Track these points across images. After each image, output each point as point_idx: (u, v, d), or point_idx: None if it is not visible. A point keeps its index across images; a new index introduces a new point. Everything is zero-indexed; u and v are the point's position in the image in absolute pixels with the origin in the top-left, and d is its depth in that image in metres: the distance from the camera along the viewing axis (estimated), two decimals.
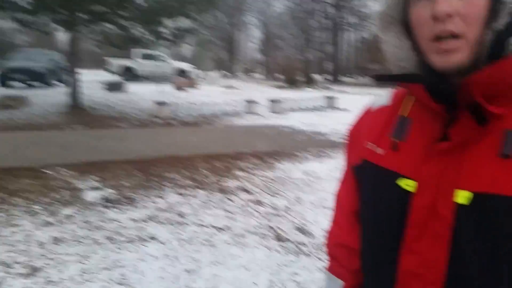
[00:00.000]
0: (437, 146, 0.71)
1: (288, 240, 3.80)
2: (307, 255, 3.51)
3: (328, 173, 6.12)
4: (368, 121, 0.90)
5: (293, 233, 3.96)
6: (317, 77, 39.48)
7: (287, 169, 6.41)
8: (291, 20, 49.18)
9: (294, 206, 4.69)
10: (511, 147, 0.65)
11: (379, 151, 0.81)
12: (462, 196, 0.67)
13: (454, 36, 0.66)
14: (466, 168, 0.68)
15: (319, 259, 3.41)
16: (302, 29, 49.26)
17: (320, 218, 4.27)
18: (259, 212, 4.48)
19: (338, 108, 15.53)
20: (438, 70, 0.69)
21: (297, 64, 40.96)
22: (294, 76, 32.13)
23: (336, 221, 1.01)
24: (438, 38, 0.67)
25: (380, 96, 0.93)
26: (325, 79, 43.84)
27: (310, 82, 31.95)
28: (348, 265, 0.95)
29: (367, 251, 0.86)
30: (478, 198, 0.66)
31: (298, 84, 30.41)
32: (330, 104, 15.76)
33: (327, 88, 29.86)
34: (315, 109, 15.17)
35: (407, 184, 0.74)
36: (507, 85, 0.66)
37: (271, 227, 4.08)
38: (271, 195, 5.08)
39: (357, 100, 19.13)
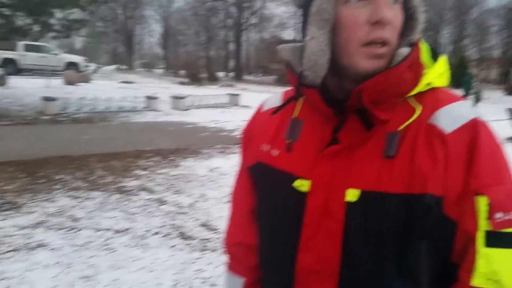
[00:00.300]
0: (328, 149, 0.73)
1: (192, 237, 3.72)
2: (213, 250, 3.46)
3: (232, 169, 6.13)
4: (261, 122, 0.90)
5: (197, 230, 3.89)
6: (220, 74, 39.67)
7: (191, 166, 6.29)
8: (193, 17, 48.66)
9: (198, 203, 4.61)
10: (392, 148, 0.69)
11: (274, 152, 0.82)
12: (351, 195, 0.71)
13: (384, 43, 0.68)
14: (355, 169, 0.71)
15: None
16: (204, 27, 49.05)
17: (225, 213, 4.25)
18: (162, 212, 4.32)
19: (241, 105, 15.76)
20: (362, 72, 0.70)
21: (199, 61, 40.72)
22: (196, 72, 31.90)
23: (233, 220, 1.01)
24: (370, 43, 0.68)
25: (271, 97, 0.93)
26: (228, 76, 44.25)
27: (213, 79, 31.97)
28: (248, 262, 0.95)
29: (266, 249, 0.86)
30: (365, 195, 0.70)
31: (201, 81, 30.25)
32: (233, 101, 15.94)
33: (230, 86, 30.17)
34: (218, 106, 15.20)
35: (302, 185, 0.76)
36: (390, 92, 0.71)
37: (175, 226, 3.95)
38: (175, 193, 4.93)
39: (259, 98, 19.59)
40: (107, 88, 17.30)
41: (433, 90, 0.74)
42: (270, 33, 52.74)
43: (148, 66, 49.54)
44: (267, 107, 0.91)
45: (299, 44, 0.81)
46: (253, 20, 49.80)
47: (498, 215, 0.65)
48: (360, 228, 0.71)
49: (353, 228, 0.71)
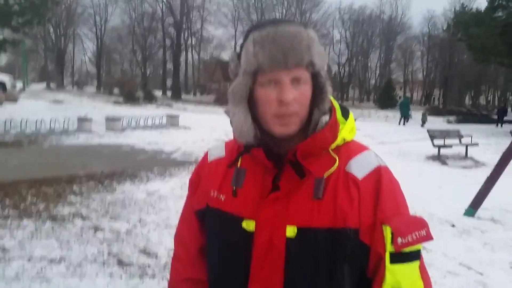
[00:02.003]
0: (271, 195, 0.93)
1: (131, 264, 3.69)
2: (152, 276, 3.47)
3: (171, 192, 6.14)
4: (207, 171, 1.07)
5: (136, 256, 3.87)
6: (157, 93, 39.08)
7: (128, 190, 6.20)
8: (129, 36, 47.79)
9: (136, 229, 4.58)
10: (320, 191, 0.91)
11: (221, 197, 1.00)
12: (290, 231, 0.90)
13: (291, 114, 0.90)
14: (292, 210, 0.91)
15: (164, 278, 3.41)
16: (141, 45, 48.30)
17: (165, 238, 4.27)
18: (98, 238, 4.23)
19: (180, 126, 15.68)
20: (278, 137, 0.92)
21: (135, 79, 39.82)
22: (132, 91, 31.09)
23: (179, 259, 1.14)
24: (281, 115, 0.89)
25: (215, 148, 1.11)
26: (166, 95, 43.71)
27: (150, 98, 31.35)
28: None
29: (219, 282, 1.02)
30: (300, 231, 0.90)
31: (137, 100, 29.54)
32: (172, 122, 15.81)
33: (168, 105, 29.82)
34: (156, 126, 14.99)
35: (248, 225, 0.94)
36: (316, 149, 0.92)
37: (112, 253, 3.90)
38: (111, 219, 4.84)
39: (198, 118, 19.61)
40: (36, 109, 16.43)
41: (346, 143, 0.98)
42: (209, 53, 53.27)
43: (80, 84, 47.58)
44: (212, 157, 1.09)
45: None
46: (192, 40, 50.03)
47: (399, 240, 0.88)
48: (298, 258, 0.90)
49: (292, 259, 0.89)
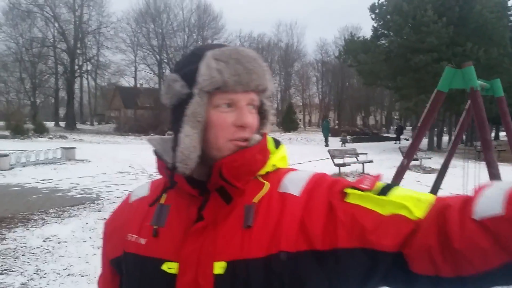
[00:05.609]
0: (194, 226, 0.81)
1: None
2: None
3: (71, 235, 5.59)
4: (127, 213, 0.94)
5: None
6: (49, 125, 36.16)
7: (21, 237, 5.49)
8: (16, 63, 43.82)
9: (34, 281, 4.04)
10: (250, 218, 0.80)
11: (141, 241, 0.85)
12: (219, 267, 0.78)
13: (246, 139, 0.83)
14: (219, 242, 0.79)
15: None
16: (30, 73, 44.55)
17: None
18: None
19: (77, 159, 14.58)
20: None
21: (23, 110, 36.46)
22: (20, 123, 28.41)
23: None
24: (237, 140, 0.82)
25: (139, 188, 0.98)
26: (60, 126, 40.64)
27: (42, 131, 28.85)
28: None
29: None
30: (230, 265, 0.77)
31: (27, 133, 27.02)
32: (68, 156, 14.62)
33: (63, 137, 27.73)
34: (50, 162, 13.74)
35: (170, 267, 0.80)
36: (245, 169, 0.83)
37: None
38: (3, 273, 4.21)
39: (97, 149, 18.45)
40: None
41: (276, 170, 0.90)
42: (107, 79, 51.02)
43: None
44: (134, 197, 0.95)
45: (169, 137, 0.91)
46: (88, 67, 47.60)
47: (362, 185, 0.79)
48: None
49: None
